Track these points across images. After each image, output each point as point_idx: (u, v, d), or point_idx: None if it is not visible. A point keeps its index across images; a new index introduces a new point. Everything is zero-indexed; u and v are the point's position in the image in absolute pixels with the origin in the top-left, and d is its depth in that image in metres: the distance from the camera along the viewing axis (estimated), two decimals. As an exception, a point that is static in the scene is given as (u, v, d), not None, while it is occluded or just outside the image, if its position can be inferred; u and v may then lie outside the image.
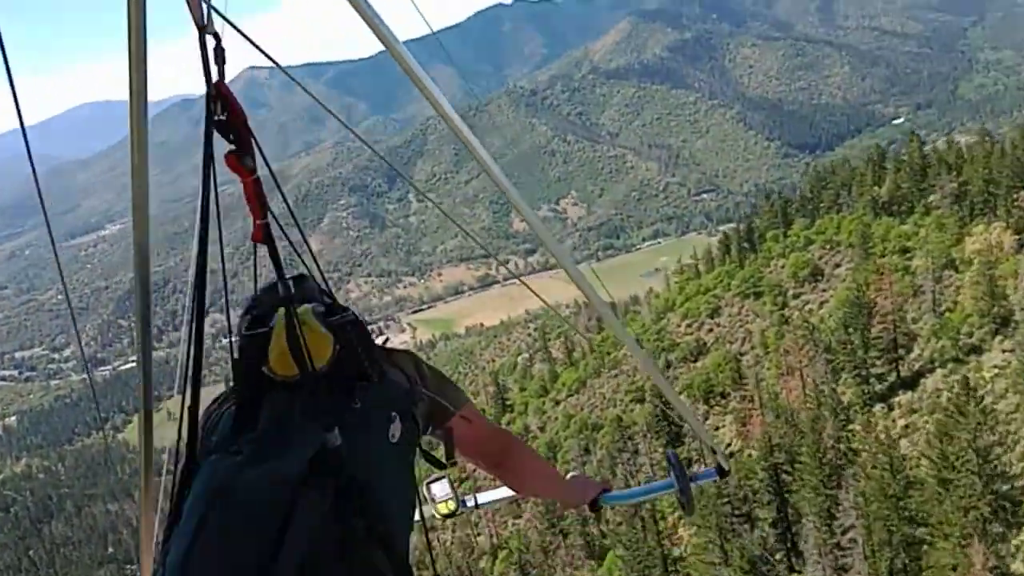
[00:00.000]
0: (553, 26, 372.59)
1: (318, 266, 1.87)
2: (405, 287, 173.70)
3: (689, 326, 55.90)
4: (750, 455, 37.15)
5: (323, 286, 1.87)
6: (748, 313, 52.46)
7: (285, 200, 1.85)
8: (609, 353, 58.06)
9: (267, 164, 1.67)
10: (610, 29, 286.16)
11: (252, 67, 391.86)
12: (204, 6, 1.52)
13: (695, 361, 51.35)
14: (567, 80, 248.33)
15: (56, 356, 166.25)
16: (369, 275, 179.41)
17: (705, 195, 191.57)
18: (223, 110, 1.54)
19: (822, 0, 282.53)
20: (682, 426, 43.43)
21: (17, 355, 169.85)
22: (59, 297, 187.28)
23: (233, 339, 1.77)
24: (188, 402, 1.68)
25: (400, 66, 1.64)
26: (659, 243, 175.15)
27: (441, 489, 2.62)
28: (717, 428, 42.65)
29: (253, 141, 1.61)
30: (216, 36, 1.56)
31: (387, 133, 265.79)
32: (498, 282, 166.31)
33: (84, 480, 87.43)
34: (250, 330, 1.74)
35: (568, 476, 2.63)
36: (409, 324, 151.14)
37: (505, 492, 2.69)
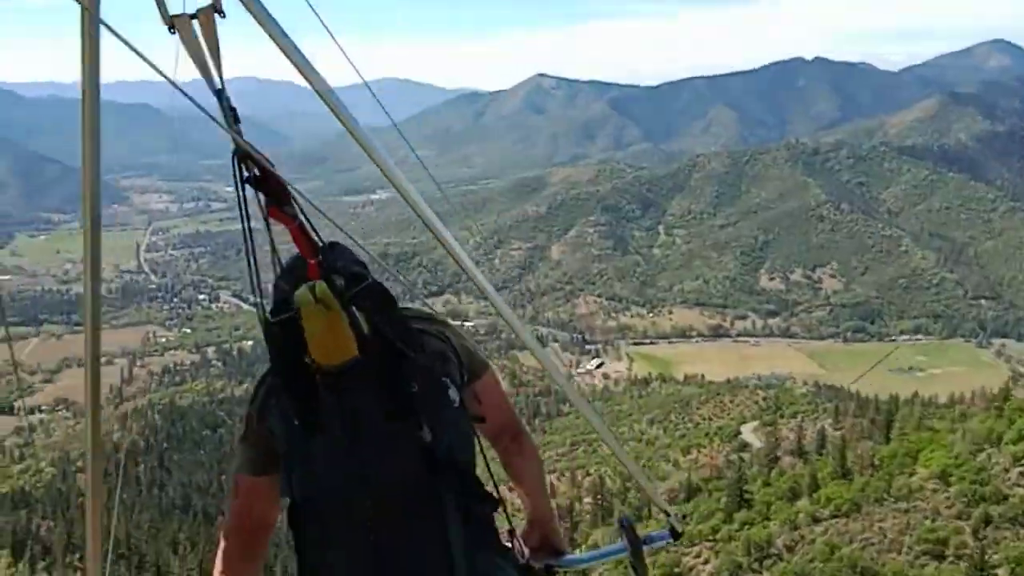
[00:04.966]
0: (850, 90, 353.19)
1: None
2: (632, 316, 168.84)
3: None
4: None
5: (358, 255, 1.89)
6: None
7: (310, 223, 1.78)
8: (896, 475, 46.18)
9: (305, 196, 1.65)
10: (913, 105, 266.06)
11: (541, 74, 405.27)
12: (214, 70, 1.48)
13: (1033, 527, 37.36)
14: (854, 148, 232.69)
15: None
16: (600, 296, 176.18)
17: (984, 301, 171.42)
18: (250, 167, 1.54)
19: None
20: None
21: (268, 285, 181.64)
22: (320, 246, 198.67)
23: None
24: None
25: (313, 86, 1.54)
26: (919, 340, 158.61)
27: None
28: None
29: (288, 185, 1.60)
30: (227, 97, 1.54)
31: (653, 162, 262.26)
32: (729, 336, 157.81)
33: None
34: (275, 315, 1.77)
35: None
36: (628, 354, 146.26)
37: None
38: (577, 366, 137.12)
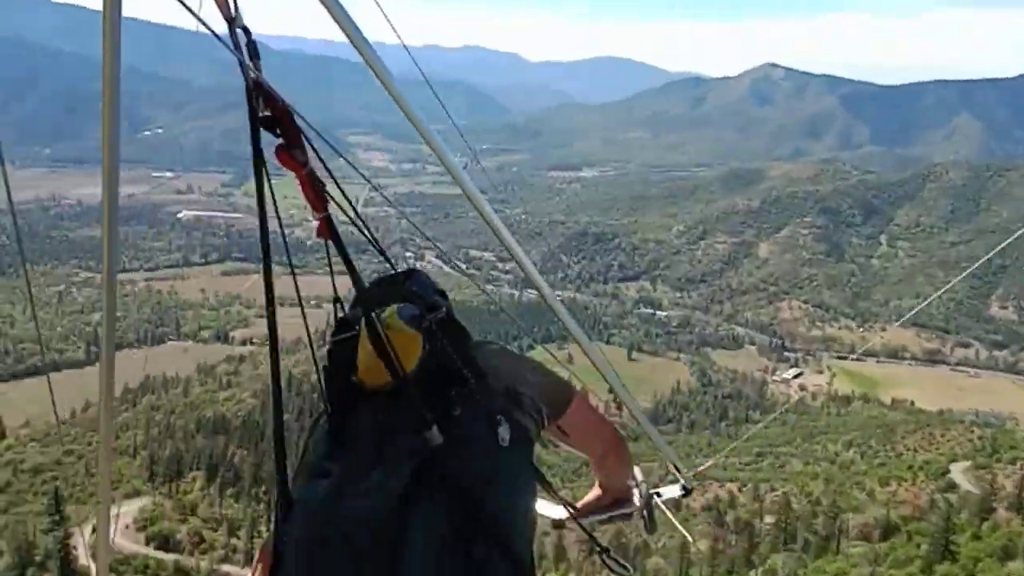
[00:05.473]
0: None
1: (385, 256, 1.86)
2: (839, 328, 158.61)
3: None
4: None
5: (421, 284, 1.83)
6: None
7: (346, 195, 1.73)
8: None
9: (326, 147, 1.57)
10: None
11: (771, 64, 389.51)
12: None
13: None
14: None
15: (500, 266, 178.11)
16: (806, 302, 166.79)
17: None
18: (265, 105, 1.49)
19: None
20: None
21: (472, 252, 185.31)
22: (523, 216, 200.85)
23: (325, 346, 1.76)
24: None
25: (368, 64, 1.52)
26: None
27: None
28: None
29: (302, 131, 1.54)
30: (246, 30, 1.49)
31: (882, 166, 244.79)
32: (948, 363, 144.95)
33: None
34: (336, 334, 1.74)
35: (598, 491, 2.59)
36: (829, 368, 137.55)
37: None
38: (773, 373, 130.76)
